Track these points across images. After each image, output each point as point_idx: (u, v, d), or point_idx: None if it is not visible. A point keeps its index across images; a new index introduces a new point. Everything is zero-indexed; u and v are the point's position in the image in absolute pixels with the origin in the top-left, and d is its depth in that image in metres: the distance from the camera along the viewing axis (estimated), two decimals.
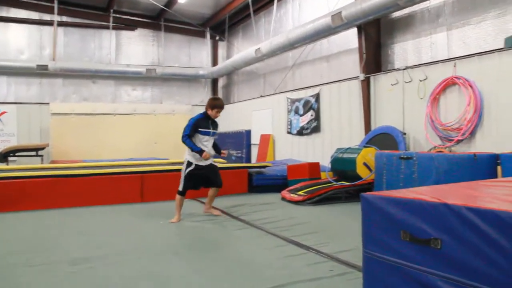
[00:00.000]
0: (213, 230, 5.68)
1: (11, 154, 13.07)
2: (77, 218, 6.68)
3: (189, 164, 6.37)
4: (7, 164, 12.89)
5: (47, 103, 14.86)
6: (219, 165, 9.24)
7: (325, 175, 8.41)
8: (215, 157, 6.92)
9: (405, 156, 6.32)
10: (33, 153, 13.31)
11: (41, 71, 14.60)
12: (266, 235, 5.30)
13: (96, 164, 9.95)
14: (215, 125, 6.49)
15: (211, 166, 6.53)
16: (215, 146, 6.73)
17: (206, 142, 6.33)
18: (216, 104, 6.37)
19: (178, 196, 6.40)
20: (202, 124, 6.26)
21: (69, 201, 7.56)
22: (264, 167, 9.29)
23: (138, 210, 7.30)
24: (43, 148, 13.41)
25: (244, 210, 6.91)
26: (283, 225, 5.79)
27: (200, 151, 6.18)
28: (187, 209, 7.26)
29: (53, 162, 13.28)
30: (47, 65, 14.51)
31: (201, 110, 17.29)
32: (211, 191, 6.72)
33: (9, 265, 4.22)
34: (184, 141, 6.23)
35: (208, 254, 4.49)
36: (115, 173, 8.07)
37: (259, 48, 11.88)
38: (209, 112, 6.32)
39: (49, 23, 15.11)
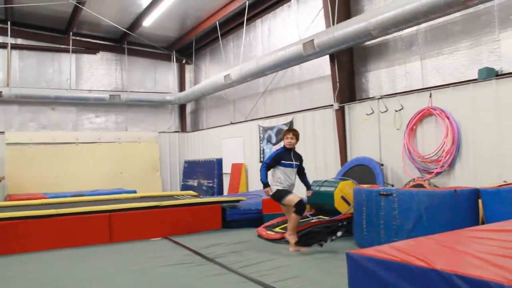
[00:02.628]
0: (187, 276, 5.63)
1: None
2: (39, 265, 6.51)
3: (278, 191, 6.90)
4: None
5: (2, 132, 14.50)
6: (190, 199, 9.27)
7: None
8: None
9: (384, 193, 6.46)
10: None
11: None
12: (246, 281, 5.29)
13: (59, 201, 9.78)
14: (297, 157, 7.05)
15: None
16: (304, 181, 7.30)
17: (289, 173, 6.92)
18: (284, 132, 7.17)
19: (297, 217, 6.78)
20: (284, 156, 6.90)
21: (31, 245, 7.36)
22: (238, 201, 9.31)
23: (107, 252, 7.18)
24: None
25: (220, 251, 6.88)
26: (262, 268, 5.79)
27: (265, 184, 6.81)
28: (159, 250, 7.21)
29: (9, 197, 12.91)
30: (1, 91, 14.17)
31: (168, 137, 17.31)
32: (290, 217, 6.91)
33: None
34: (260, 169, 6.92)
35: None
36: (81, 213, 7.92)
37: (228, 75, 11.98)
38: (284, 142, 7.05)
39: (2, 46, 14.81)
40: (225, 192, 13.59)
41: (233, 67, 12.41)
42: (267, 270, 5.71)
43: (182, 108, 17.27)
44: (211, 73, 15.42)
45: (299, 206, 6.70)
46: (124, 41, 15.96)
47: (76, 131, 15.54)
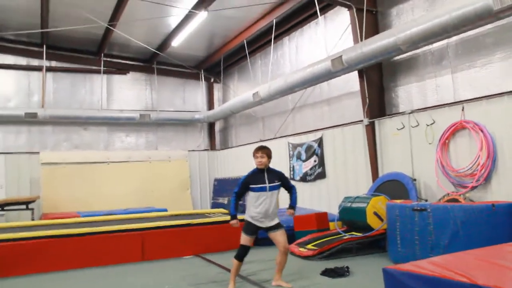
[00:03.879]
0: None
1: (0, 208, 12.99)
2: (75, 283, 6.64)
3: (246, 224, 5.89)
4: None
5: (37, 152, 14.86)
6: (221, 217, 9.29)
7: (334, 226, 8.43)
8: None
9: (418, 208, 6.37)
10: (23, 206, 13.23)
11: (30, 119, 14.65)
12: None
13: (92, 219, 9.94)
14: (273, 176, 5.93)
15: (274, 226, 5.89)
16: (290, 198, 6.21)
17: (262, 200, 5.80)
18: (253, 151, 6.07)
19: (234, 260, 5.83)
20: (253, 179, 5.85)
21: (65, 263, 7.54)
22: None
23: (140, 270, 7.26)
24: (33, 201, 13.34)
25: (253, 269, 6.89)
26: (296, 286, 5.78)
27: (232, 216, 5.94)
28: (191, 268, 7.25)
29: (44, 215, 13.19)
30: (36, 113, 14.57)
31: (198, 155, 17.34)
32: (278, 256, 5.98)
33: None
34: (231, 200, 6.00)
35: None
36: (113, 231, 8.04)
37: (257, 92, 12.06)
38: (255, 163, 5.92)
39: (38, 69, 15.28)
40: None
41: (261, 85, 12.49)
42: (300, 287, 5.69)
43: (211, 126, 17.43)
44: (239, 91, 15.55)
45: (239, 250, 5.80)
46: (153, 61, 16.25)
47: (108, 151, 15.82)
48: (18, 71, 15.22)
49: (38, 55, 15.06)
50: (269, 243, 8.68)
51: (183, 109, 16.94)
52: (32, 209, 13.37)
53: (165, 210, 12.15)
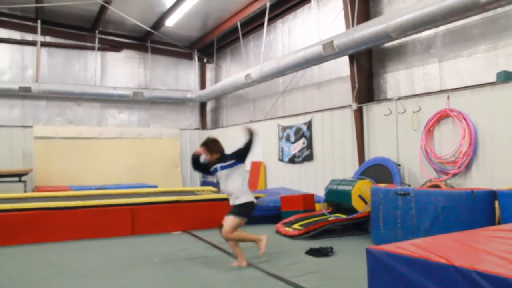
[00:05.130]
0: (207, 269, 5.72)
1: None
2: (65, 255, 6.67)
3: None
4: None
5: (30, 126, 14.75)
6: (209, 195, 9.35)
7: (320, 207, 8.52)
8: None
9: (402, 192, 6.45)
10: (16, 178, 13.17)
11: (24, 93, 14.50)
12: (265, 276, 5.35)
13: (84, 193, 9.95)
14: (226, 158, 5.93)
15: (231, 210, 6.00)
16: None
17: (220, 180, 6.03)
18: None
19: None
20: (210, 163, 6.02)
21: (56, 235, 7.57)
22: (256, 198, 9.33)
23: (130, 244, 7.31)
24: (26, 174, 13.29)
25: (256, 253, 6.93)
26: (280, 263, 5.86)
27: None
28: (180, 243, 7.31)
29: (37, 188, 13.17)
30: (30, 87, 14.42)
31: (189, 134, 17.26)
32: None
33: None
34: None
35: None
36: (105, 205, 8.06)
37: (249, 74, 12.03)
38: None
39: (32, 43, 15.07)
40: None
41: (253, 67, 12.45)
42: (285, 265, 5.77)
43: (203, 106, 17.38)
44: (231, 72, 15.49)
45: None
46: (147, 40, 16.10)
47: (100, 127, 15.73)
48: (12, 45, 14.99)
49: (33, 30, 14.82)
50: (255, 222, 8.85)
51: (176, 88, 16.86)
52: (25, 181, 13.32)
53: (155, 187, 12.16)
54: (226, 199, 8.89)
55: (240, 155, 6.00)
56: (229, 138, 15.14)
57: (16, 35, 15.00)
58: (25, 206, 7.71)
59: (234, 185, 5.89)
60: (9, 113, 14.88)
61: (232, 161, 5.92)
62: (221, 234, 5.92)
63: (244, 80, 12.34)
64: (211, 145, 6.02)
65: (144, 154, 15.54)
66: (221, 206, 8.76)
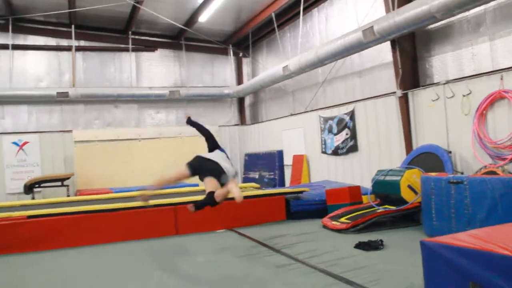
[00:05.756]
0: (255, 266, 5.73)
1: (36, 186, 13.39)
2: (110, 257, 6.83)
3: None
4: (33, 196, 13.22)
5: (70, 131, 15.18)
6: (253, 191, 9.37)
7: (367, 199, 8.41)
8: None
9: (455, 181, 6.28)
10: (59, 183, 13.61)
11: (62, 98, 14.93)
12: (314, 272, 5.33)
13: (126, 195, 10.14)
14: None
15: None
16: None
17: None
18: None
19: None
20: None
21: (101, 238, 7.72)
22: (301, 192, 9.33)
23: (175, 244, 7.41)
24: (68, 178, 13.71)
25: (286, 242, 6.95)
26: (329, 259, 5.81)
27: None
28: (225, 242, 7.36)
29: (79, 192, 13.55)
30: (67, 92, 14.84)
31: (229, 130, 17.33)
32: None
33: None
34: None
35: None
36: (147, 206, 8.17)
37: (287, 66, 11.98)
38: None
39: (67, 49, 15.52)
40: (287, 184, 13.63)
41: (291, 58, 12.40)
42: (334, 260, 5.73)
43: (241, 101, 17.44)
44: (268, 65, 15.47)
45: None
46: (181, 38, 16.27)
47: (139, 128, 16.04)
48: (49, 51, 15.50)
49: (67, 35, 15.28)
50: (301, 217, 8.83)
51: (212, 84, 16.98)
52: (67, 185, 13.78)
53: (196, 186, 12.27)
54: (270, 195, 8.98)
55: None
56: (269, 133, 15.18)
57: (51, 41, 15.50)
58: (69, 210, 7.93)
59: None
60: (49, 119, 15.38)
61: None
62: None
63: (282, 72, 12.30)
64: None
65: (183, 153, 15.51)
66: (266, 202, 8.82)
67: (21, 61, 15.16)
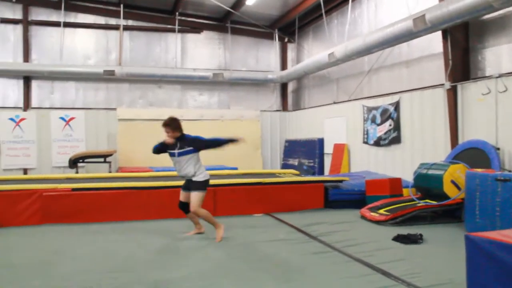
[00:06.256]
0: (291, 252, 5.75)
1: (80, 160, 13.81)
2: (148, 233, 6.98)
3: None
4: (77, 170, 13.64)
5: (114, 109, 15.56)
6: (292, 178, 9.38)
7: (408, 192, 8.28)
8: None
9: (502, 178, 6.10)
10: (101, 159, 13.98)
11: (108, 76, 15.28)
12: (350, 261, 5.31)
13: (165, 174, 10.34)
14: (186, 143, 6.42)
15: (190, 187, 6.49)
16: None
17: (174, 163, 6.53)
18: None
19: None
20: (167, 145, 6.46)
21: (141, 214, 7.93)
22: (340, 181, 9.27)
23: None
24: (111, 155, 14.06)
25: (323, 230, 6.94)
26: (366, 249, 5.77)
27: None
28: (262, 226, 7.41)
29: (120, 169, 13.91)
30: (113, 70, 15.17)
31: (270, 115, 17.32)
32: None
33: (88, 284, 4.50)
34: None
35: (289, 283, 4.54)
36: None
37: (332, 53, 11.85)
38: None
39: (115, 28, 15.84)
40: (326, 172, 13.57)
41: (337, 45, 12.25)
42: (372, 251, 5.68)
43: (284, 87, 17.37)
44: (313, 51, 15.33)
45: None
46: (227, 20, 16.31)
47: (181, 109, 16.25)
48: (97, 30, 15.88)
49: (116, 14, 15.59)
50: (339, 206, 8.79)
51: (256, 69, 16.98)
52: (110, 162, 14.14)
53: (236, 169, 12.40)
54: (309, 182, 8.97)
55: (199, 146, 6.56)
56: (310, 120, 15.12)
57: (100, 20, 15.86)
58: (113, 185, 8.17)
59: (188, 169, 6.42)
60: (95, 96, 15.79)
61: (189, 148, 6.39)
62: (192, 210, 6.39)
63: (327, 59, 12.19)
64: (175, 123, 6.48)
65: (224, 136, 15.81)
66: (304, 189, 8.82)
67: (70, 39, 15.60)
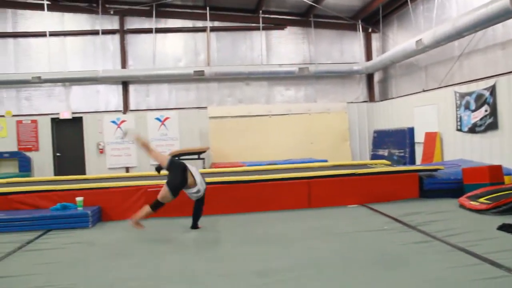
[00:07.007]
0: (391, 242, 5.69)
1: (176, 158, 14.41)
2: (247, 225, 7.18)
3: None
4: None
5: (205, 107, 16.10)
6: (385, 168, 9.24)
7: (510, 180, 7.87)
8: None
9: None
10: (195, 156, 14.52)
11: (198, 77, 15.82)
12: (453, 250, 5.16)
13: (257, 168, 10.56)
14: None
15: None
16: None
17: None
18: None
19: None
20: None
21: (235, 207, 8.15)
22: (435, 170, 8.99)
23: (308, 216, 7.57)
24: (204, 151, 14.58)
25: (420, 219, 6.78)
26: (469, 238, 5.57)
27: None
28: (358, 216, 7.38)
29: (214, 164, 14.37)
30: (203, 71, 15.70)
31: (357, 107, 17.13)
32: None
33: (194, 272, 4.73)
34: None
35: (394, 272, 4.52)
36: (281, 179, 8.48)
37: (420, 39, 11.47)
38: None
39: (202, 30, 16.37)
40: (418, 162, 13.17)
41: (424, 32, 11.83)
42: (475, 240, 5.48)
43: (369, 77, 17.03)
44: (399, 40, 14.91)
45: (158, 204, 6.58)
46: (309, 15, 16.26)
47: (269, 104, 16.48)
48: (186, 33, 16.54)
49: (202, 17, 16.11)
50: (435, 195, 8.52)
51: (341, 61, 16.79)
52: (203, 158, 14.68)
53: (325, 161, 12.39)
54: (403, 172, 8.79)
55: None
56: (399, 109, 14.74)
57: (188, 23, 16.49)
58: (210, 180, 8.45)
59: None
60: (187, 96, 16.43)
61: None
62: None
63: (415, 46, 11.81)
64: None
65: (312, 130, 15.91)
66: (398, 178, 8.66)
67: (162, 43, 16.38)
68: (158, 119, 16.07)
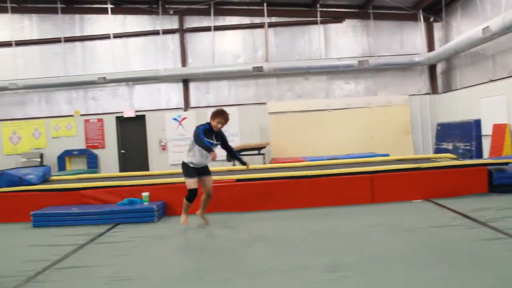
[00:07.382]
0: (460, 238, 5.48)
1: (239, 153, 14.55)
2: (309, 219, 7.14)
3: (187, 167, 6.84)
4: (234, 163, 14.39)
5: (264, 103, 16.15)
6: (450, 162, 8.91)
7: None
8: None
9: None
10: (255, 151, 14.60)
11: (257, 73, 15.88)
12: None
13: (319, 163, 10.47)
14: (218, 138, 6.83)
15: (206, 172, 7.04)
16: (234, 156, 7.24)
17: (204, 152, 6.69)
18: (218, 114, 6.66)
19: (185, 201, 6.96)
20: (207, 135, 6.62)
21: (297, 202, 8.09)
22: (506, 163, 8.57)
23: (372, 212, 7.43)
24: (264, 147, 14.62)
25: (491, 215, 6.48)
26: None
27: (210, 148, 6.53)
28: (424, 212, 7.16)
29: (274, 160, 14.40)
30: (261, 67, 15.74)
31: (419, 99, 16.68)
32: (204, 196, 7.11)
33: (258, 267, 4.73)
34: (202, 142, 6.52)
35: (464, 269, 4.34)
36: (343, 174, 8.35)
37: (487, 27, 10.97)
38: (212, 123, 6.68)
39: (260, 26, 16.41)
40: (485, 155, 12.61)
41: (491, 19, 11.30)
42: None
43: (432, 68, 16.45)
44: (463, 28, 14.31)
45: (190, 194, 6.83)
46: (368, 6, 15.92)
47: (328, 98, 16.30)
48: (244, 29, 16.64)
49: (260, 13, 16.17)
50: (506, 190, 8.12)
51: (401, 52, 16.33)
52: (263, 154, 14.74)
53: (387, 155, 12.10)
54: (472, 165, 8.45)
55: (224, 141, 6.96)
56: (464, 101, 14.17)
57: (246, 20, 16.59)
58: (274, 175, 8.48)
59: (208, 160, 6.90)
60: (246, 92, 16.56)
61: (220, 142, 6.89)
62: (211, 193, 7.06)
63: (481, 34, 11.32)
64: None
65: (372, 123, 15.60)
66: (465, 173, 8.32)
67: (220, 41, 16.58)
68: None
